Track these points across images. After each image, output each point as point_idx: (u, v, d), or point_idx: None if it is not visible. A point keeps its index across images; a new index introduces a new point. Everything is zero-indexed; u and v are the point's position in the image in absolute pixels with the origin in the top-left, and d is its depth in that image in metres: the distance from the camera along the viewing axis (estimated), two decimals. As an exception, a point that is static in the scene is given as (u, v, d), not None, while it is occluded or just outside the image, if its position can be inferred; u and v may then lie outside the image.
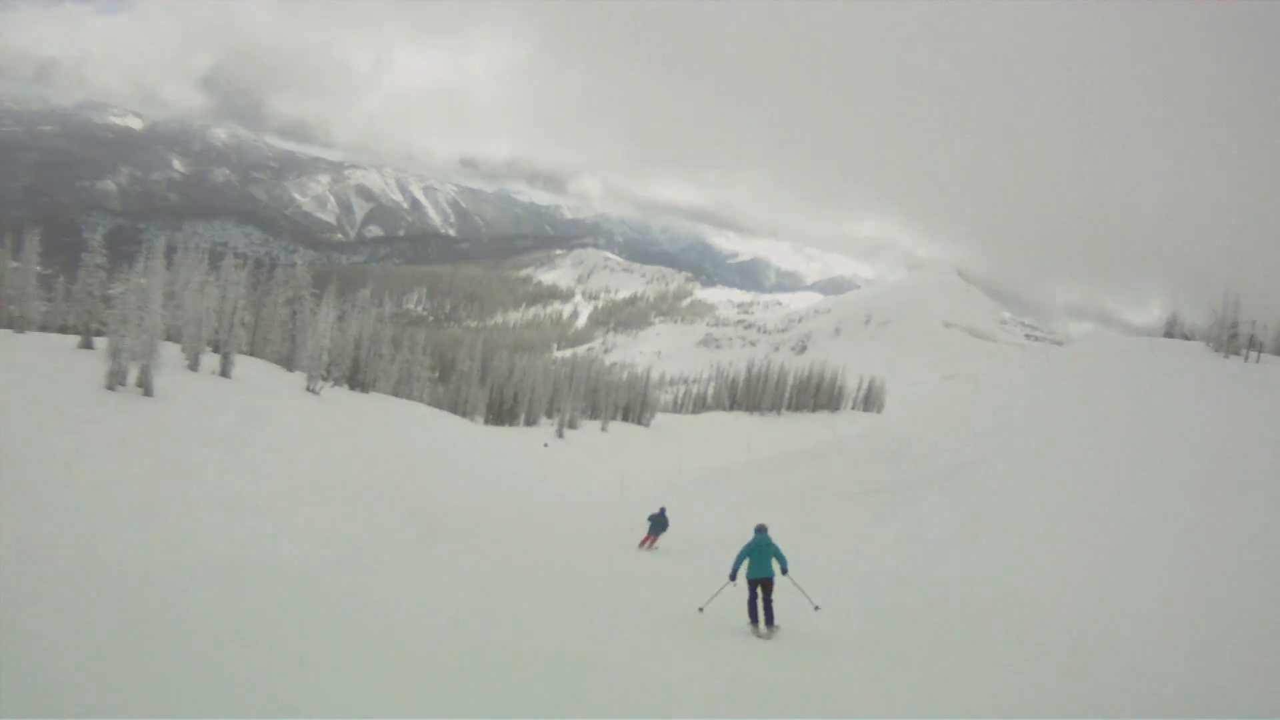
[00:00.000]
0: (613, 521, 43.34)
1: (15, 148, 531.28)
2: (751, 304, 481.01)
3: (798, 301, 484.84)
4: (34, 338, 56.61)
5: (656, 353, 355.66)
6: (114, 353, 45.96)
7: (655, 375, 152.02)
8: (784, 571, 19.53)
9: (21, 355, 47.36)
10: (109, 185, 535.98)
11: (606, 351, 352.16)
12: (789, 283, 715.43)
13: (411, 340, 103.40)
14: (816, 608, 20.35)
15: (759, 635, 19.03)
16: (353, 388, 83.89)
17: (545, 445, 62.63)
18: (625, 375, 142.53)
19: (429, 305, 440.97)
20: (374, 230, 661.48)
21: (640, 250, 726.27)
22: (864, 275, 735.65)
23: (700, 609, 20.64)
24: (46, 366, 45.17)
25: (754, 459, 68.99)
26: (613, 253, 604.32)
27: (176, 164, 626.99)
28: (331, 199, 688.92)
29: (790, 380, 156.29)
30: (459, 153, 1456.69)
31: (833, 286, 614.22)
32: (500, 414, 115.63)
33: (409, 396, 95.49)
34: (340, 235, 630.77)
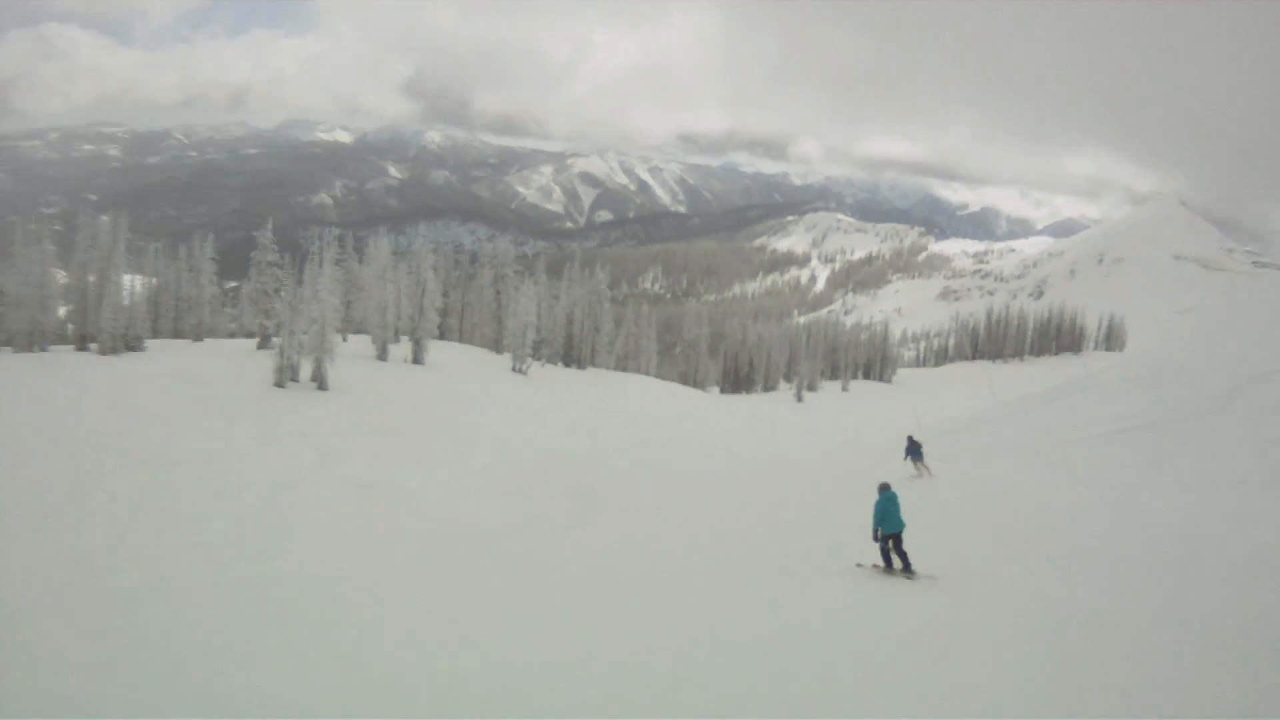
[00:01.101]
0: (832, 480, 39.32)
1: (221, 173, 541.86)
2: (986, 253, 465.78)
3: (1031, 247, 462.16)
4: (211, 344, 56.70)
5: (897, 310, 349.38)
6: (281, 349, 45.13)
7: (896, 332, 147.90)
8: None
9: (194, 361, 47.82)
10: (324, 199, 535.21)
11: (847, 313, 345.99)
12: (1020, 229, 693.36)
13: (636, 314, 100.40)
14: (859, 565, 20.96)
15: (893, 574, 19.90)
16: (567, 364, 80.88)
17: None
18: (864, 335, 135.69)
19: (665, 283, 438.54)
20: (603, 215, 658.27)
21: (871, 210, 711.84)
22: (1091, 215, 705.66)
23: (859, 565, 21.07)
24: (216, 369, 45.56)
25: (995, 404, 64.84)
26: (844, 214, 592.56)
27: (392, 171, 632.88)
28: (557, 189, 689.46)
29: (1030, 325, 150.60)
30: (675, 129, 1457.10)
31: (1063, 229, 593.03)
32: (737, 381, 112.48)
33: (636, 371, 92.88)
34: (570, 223, 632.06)
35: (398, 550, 21.10)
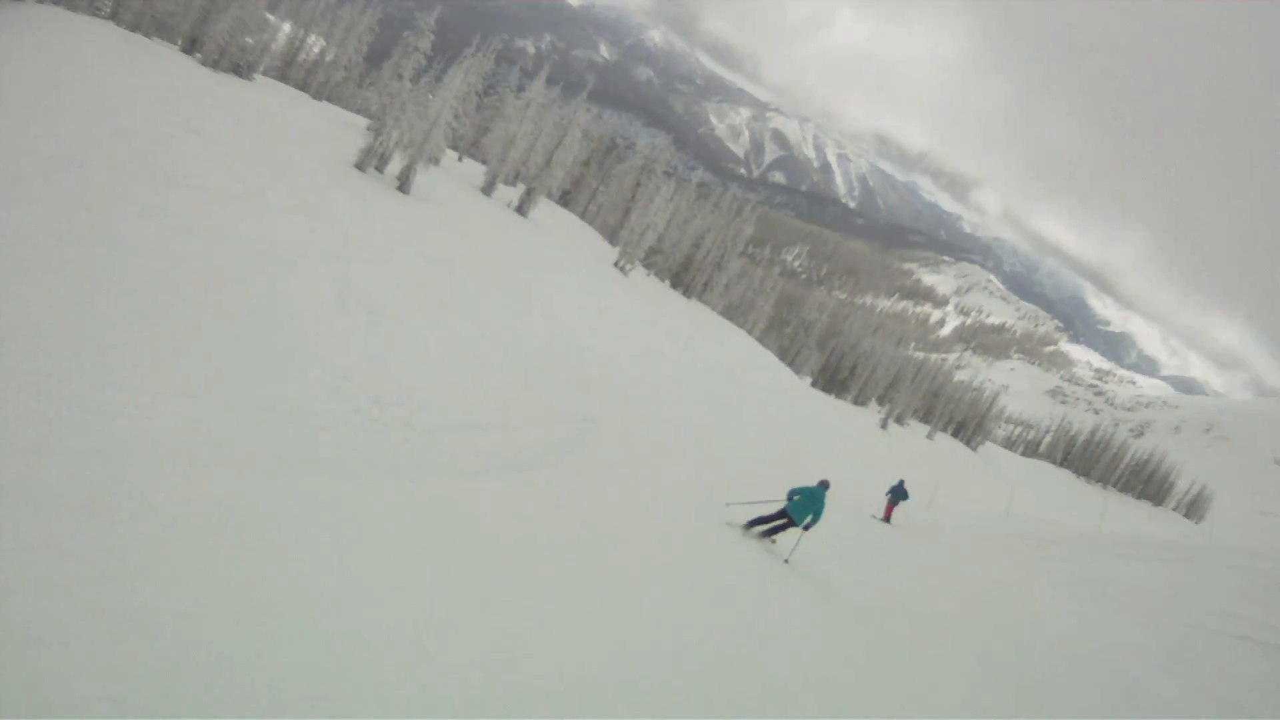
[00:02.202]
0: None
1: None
2: (1109, 373, 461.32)
3: (1151, 388, 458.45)
4: (326, 106, 56.01)
5: (1004, 386, 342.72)
6: (377, 130, 42.53)
7: (996, 411, 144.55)
8: (807, 527, 19.34)
9: (292, 110, 46.89)
10: (528, 46, 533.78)
11: (958, 368, 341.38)
12: (1146, 366, 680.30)
13: (765, 275, 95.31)
14: (786, 560, 19.03)
15: (744, 535, 19.36)
16: (675, 286, 75.12)
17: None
18: (970, 393, 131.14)
19: (806, 264, 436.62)
20: (777, 176, 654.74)
21: (1022, 285, 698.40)
22: (1215, 384, 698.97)
23: (727, 504, 20.83)
24: (309, 127, 44.02)
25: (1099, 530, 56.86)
26: (997, 278, 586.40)
27: (603, 49, 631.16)
28: (746, 133, 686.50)
29: (1127, 458, 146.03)
30: (875, 127, 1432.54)
31: (1184, 385, 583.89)
32: (830, 380, 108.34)
33: (741, 326, 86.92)
34: (743, 170, 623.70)
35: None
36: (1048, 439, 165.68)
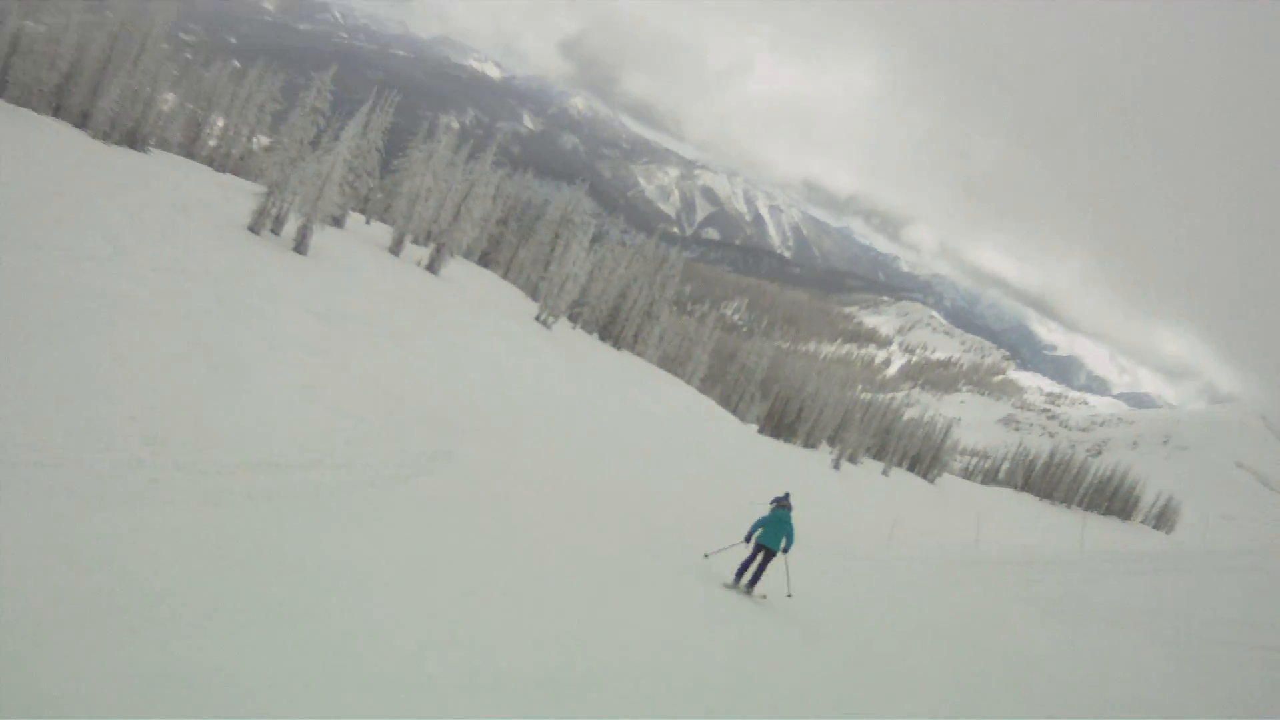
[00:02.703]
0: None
1: (363, 64, 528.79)
2: (1060, 396, 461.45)
3: (1104, 406, 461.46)
4: (225, 177, 54.38)
5: (956, 419, 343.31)
6: (269, 191, 40.36)
7: (950, 442, 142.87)
8: (785, 550, 19.39)
9: (185, 179, 45.47)
10: (452, 121, 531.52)
11: (908, 406, 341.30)
12: (1097, 386, 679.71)
13: (700, 327, 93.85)
14: (789, 595, 19.71)
15: (734, 590, 19.12)
16: (603, 338, 72.88)
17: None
18: (922, 429, 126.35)
19: (746, 317, 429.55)
20: (711, 233, 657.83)
21: (965, 319, 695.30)
22: (1167, 396, 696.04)
23: (706, 555, 20.92)
24: (202, 194, 42.17)
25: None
26: (939, 314, 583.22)
27: (527, 119, 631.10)
28: (676, 192, 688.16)
29: (1090, 476, 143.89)
30: (803, 173, 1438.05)
31: (1137, 401, 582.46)
32: (779, 426, 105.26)
33: (676, 375, 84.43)
34: (676, 229, 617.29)
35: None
36: (1005, 466, 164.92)
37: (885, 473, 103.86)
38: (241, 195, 43.70)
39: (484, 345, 42.52)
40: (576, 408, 42.68)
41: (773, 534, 19.18)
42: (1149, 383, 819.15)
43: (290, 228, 41.35)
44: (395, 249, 52.02)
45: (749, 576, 19.20)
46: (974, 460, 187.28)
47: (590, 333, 71.62)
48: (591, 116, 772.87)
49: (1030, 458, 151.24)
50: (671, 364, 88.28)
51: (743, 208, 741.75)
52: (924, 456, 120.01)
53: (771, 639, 15.98)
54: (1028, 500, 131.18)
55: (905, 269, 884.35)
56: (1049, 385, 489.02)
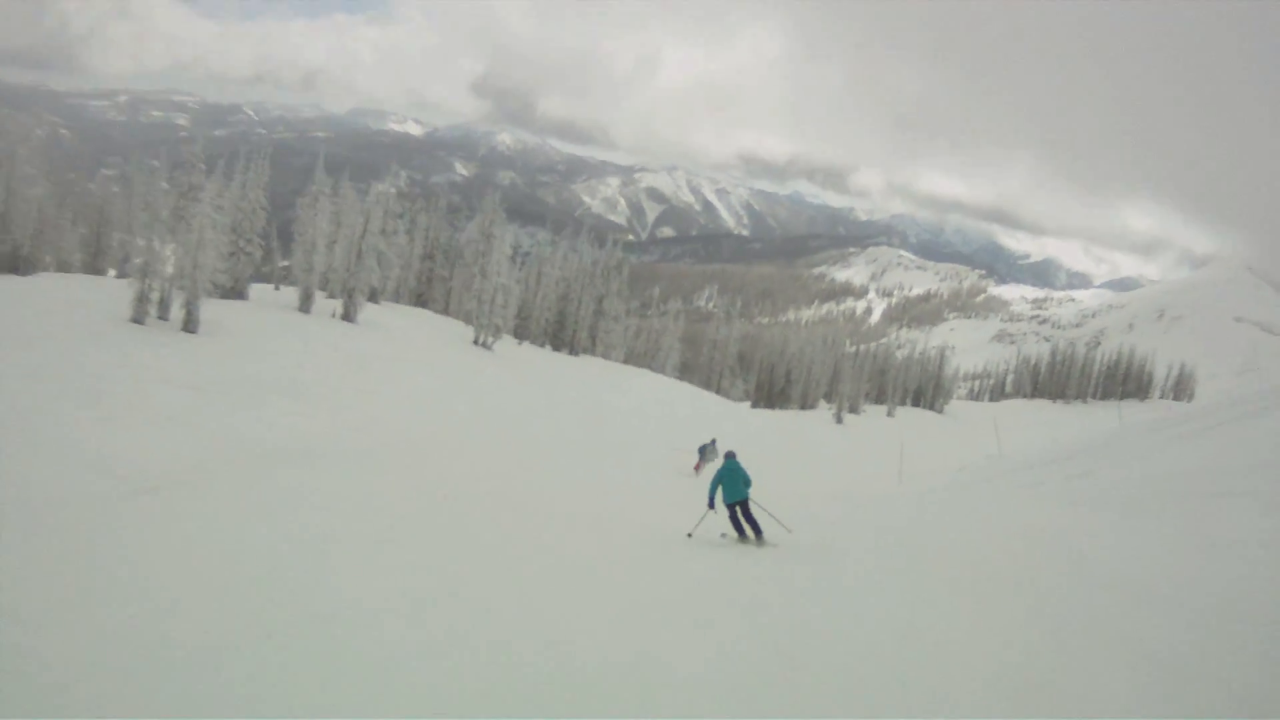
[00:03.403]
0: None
1: (288, 153, 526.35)
2: (1045, 300, 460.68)
3: (1090, 299, 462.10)
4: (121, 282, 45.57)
5: (950, 347, 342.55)
6: (142, 273, 36.47)
7: (949, 370, 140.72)
8: (749, 499, 19.46)
9: (74, 288, 42.92)
10: (388, 189, 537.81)
11: (899, 348, 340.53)
12: (1079, 283, 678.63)
13: (661, 310, 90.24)
14: (790, 531, 19.96)
15: (746, 542, 19.09)
16: (556, 348, 70.29)
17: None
18: (916, 364, 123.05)
19: (720, 302, 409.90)
20: (666, 231, 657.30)
21: (934, 250, 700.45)
22: (1149, 274, 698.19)
23: (689, 534, 19.96)
24: (88, 297, 39.44)
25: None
26: (907, 252, 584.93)
27: (459, 168, 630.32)
28: (622, 201, 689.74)
29: (1096, 366, 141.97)
30: (735, 150, 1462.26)
31: (1121, 286, 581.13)
32: (771, 396, 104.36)
33: (655, 370, 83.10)
34: (632, 236, 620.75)
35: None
36: (1010, 378, 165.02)
37: (890, 414, 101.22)
38: (127, 291, 39.68)
39: (411, 380, 39.59)
40: (531, 417, 40.45)
41: (733, 487, 19.24)
42: (1127, 266, 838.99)
43: (177, 309, 37.63)
44: (304, 306, 48.16)
45: (750, 530, 19.09)
46: (978, 382, 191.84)
47: (541, 345, 68.87)
48: (521, 149, 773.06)
49: (1033, 363, 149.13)
50: (641, 360, 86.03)
51: (690, 199, 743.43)
52: (926, 389, 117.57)
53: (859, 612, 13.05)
54: (1041, 405, 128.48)
55: (863, 217, 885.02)
56: (1032, 292, 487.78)
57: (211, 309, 39.21)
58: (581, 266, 72.65)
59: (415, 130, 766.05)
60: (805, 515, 24.09)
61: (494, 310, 55.33)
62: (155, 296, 36.90)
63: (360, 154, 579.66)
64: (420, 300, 72.55)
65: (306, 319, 46.50)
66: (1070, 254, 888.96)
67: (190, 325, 36.44)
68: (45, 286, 42.01)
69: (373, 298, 58.13)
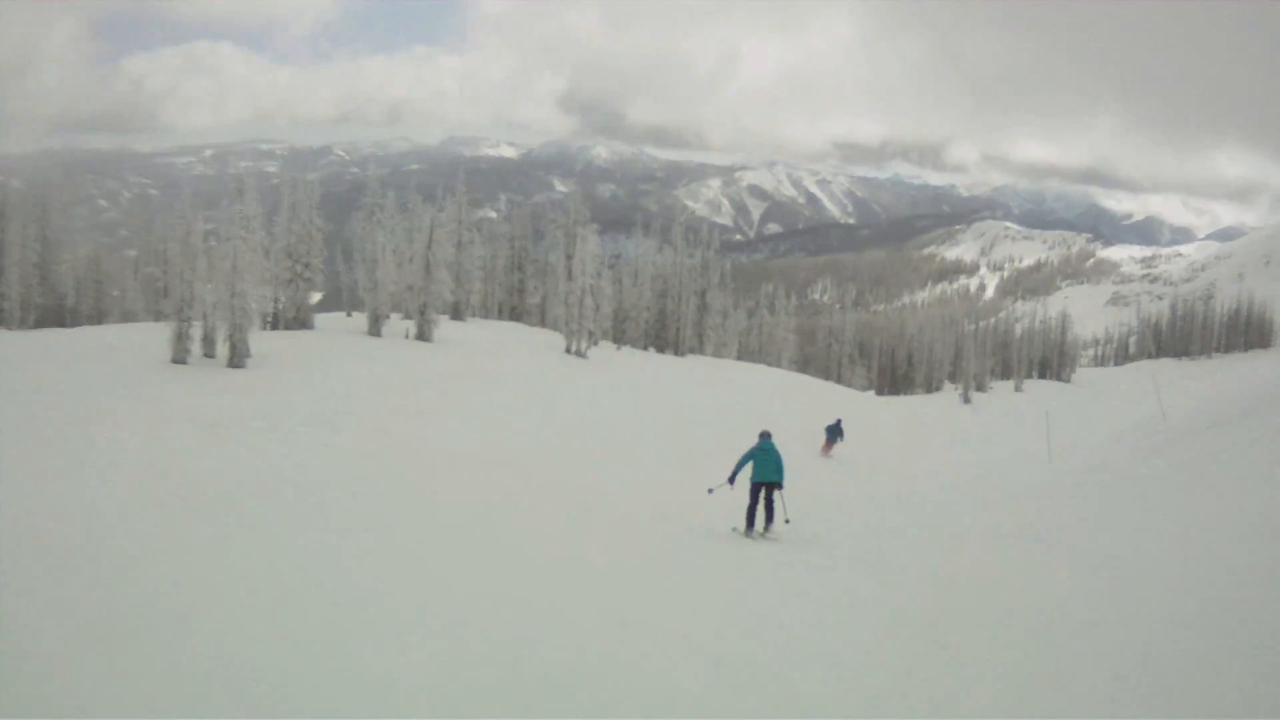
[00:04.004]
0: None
1: (383, 187, 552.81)
2: (1153, 258, 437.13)
3: (1197, 252, 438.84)
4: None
5: (1065, 315, 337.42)
6: (178, 310, 33.36)
7: (1071, 337, 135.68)
8: (779, 486, 18.46)
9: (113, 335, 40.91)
10: (489, 213, 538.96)
11: (1016, 321, 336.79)
12: (1182, 238, 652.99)
13: (769, 300, 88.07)
14: (787, 520, 18.62)
15: (749, 538, 18.25)
16: (660, 349, 65.62)
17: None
18: (1037, 333, 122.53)
19: (834, 293, 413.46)
20: (773, 227, 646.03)
21: (1037, 219, 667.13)
22: (1249, 221, 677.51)
23: (710, 490, 19.83)
24: (126, 341, 37.07)
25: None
26: (1012, 224, 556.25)
27: (559, 185, 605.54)
28: (725, 201, 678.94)
29: (1217, 319, 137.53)
30: (829, 137, 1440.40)
31: (1225, 236, 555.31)
32: (894, 381, 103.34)
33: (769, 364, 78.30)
34: (739, 236, 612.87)
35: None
36: (1132, 340, 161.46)
37: (1018, 389, 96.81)
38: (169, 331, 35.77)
39: (481, 397, 35.00)
40: (623, 422, 35.91)
41: (764, 467, 18.29)
42: (1228, 215, 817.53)
43: (221, 344, 34.28)
44: (374, 329, 44.24)
45: (763, 519, 18.27)
46: (1099, 348, 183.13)
47: (644, 349, 64.03)
48: (619, 160, 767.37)
49: (1153, 322, 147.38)
50: (754, 357, 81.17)
51: (793, 193, 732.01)
52: (1051, 359, 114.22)
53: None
54: (1167, 364, 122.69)
55: (965, 193, 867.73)
56: (1140, 252, 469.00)
57: (267, 341, 37.53)
58: (678, 261, 68.27)
59: (510, 153, 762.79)
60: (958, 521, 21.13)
61: (584, 314, 50.43)
62: (197, 333, 33.98)
63: (456, 182, 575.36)
64: (514, 314, 68.62)
65: (375, 342, 43.16)
66: (1171, 209, 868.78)
67: (236, 360, 33.20)
68: (86, 336, 39.36)
69: (456, 314, 54.76)
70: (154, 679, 9.23)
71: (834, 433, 37.30)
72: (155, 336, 34.99)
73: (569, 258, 55.81)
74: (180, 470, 19.86)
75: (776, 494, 18.39)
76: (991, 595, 13.79)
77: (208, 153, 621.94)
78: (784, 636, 11.81)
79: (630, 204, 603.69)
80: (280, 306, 47.20)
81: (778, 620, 12.44)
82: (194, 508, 17.08)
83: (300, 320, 45.81)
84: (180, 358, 32.45)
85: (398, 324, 47.62)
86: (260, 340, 35.68)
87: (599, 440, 30.73)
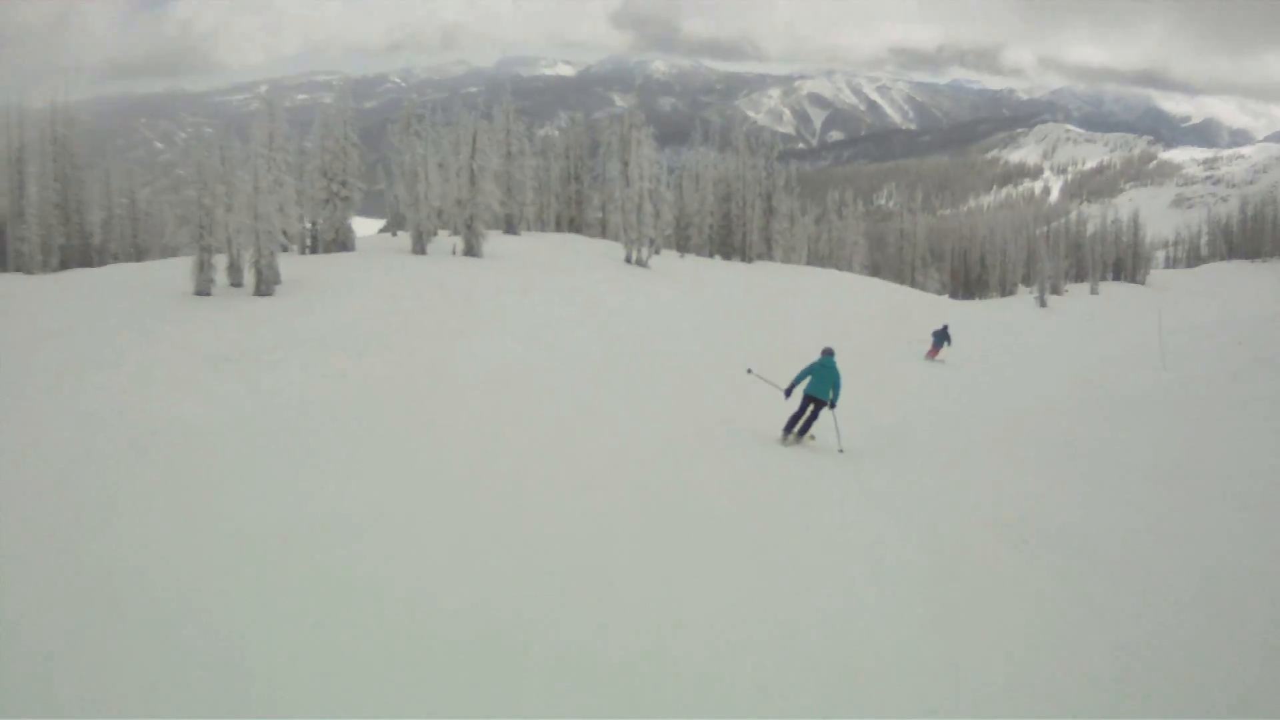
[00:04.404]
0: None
1: (444, 111, 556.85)
2: (1215, 159, 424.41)
3: (1259, 153, 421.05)
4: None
5: (1136, 216, 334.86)
6: (198, 235, 30.81)
7: (1144, 237, 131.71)
8: (832, 405, 18.21)
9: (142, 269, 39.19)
10: (551, 131, 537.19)
11: (1085, 223, 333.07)
12: (1241, 140, 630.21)
13: (836, 206, 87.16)
14: (840, 450, 17.78)
15: (784, 444, 17.96)
16: (727, 256, 62.92)
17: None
18: (1110, 232, 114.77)
19: (899, 199, 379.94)
20: (835, 135, 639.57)
21: (1098, 122, 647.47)
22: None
23: (749, 370, 20.36)
24: (160, 275, 34.68)
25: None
26: (1073, 126, 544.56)
27: (619, 101, 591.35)
28: (786, 111, 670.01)
29: (1275, 217, 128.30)
30: (885, 43, 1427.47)
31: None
32: (968, 285, 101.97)
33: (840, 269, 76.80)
34: (802, 144, 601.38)
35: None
36: (1204, 239, 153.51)
37: (1094, 291, 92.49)
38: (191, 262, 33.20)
39: (528, 313, 31.88)
40: (702, 331, 34.50)
41: (820, 383, 17.93)
42: None
43: (249, 272, 31.90)
44: (418, 247, 41.26)
45: (799, 428, 17.96)
46: (1169, 250, 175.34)
47: (709, 256, 61.60)
48: (677, 73, 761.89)
49: (1223, 223, 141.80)
50: (825, 262, 79.48)
51: (854, 100, 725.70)
52: (1125, 261, 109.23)
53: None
54: (1240, 265, 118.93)
55: (1024, 97, 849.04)
56: (1201, 154, 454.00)
57: (301, 265, 35.42)
58: (740, 163, 65.02)
59: (568, 71, 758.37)
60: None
61: (643, 220, 47.53)
62: (221, 262, 31.71)
63: (519, 101, 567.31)
64: (573, 226, 66.03)
65: (418, 260, 39.85)
66: (1228, 112, 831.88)
67: (264, 288, 30.65)
68: (112, 275, 37.14)
69: (510, 228, 52.36)
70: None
71: (941, 338, 37.83)
72: (183, 270, 32.35)
73: (625, 164, 51.55)
74: (161, 413, 18.19)
75: (825, 411, 18.14)
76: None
77: (262, 88, 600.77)
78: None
79: (691, 116, 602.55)
80: (318, 228, 44.54)
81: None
82: (148, 454, 15.51)
83: (340, 242, 43.05)
84: (204, 289, 30.11)
85: (445, 241, 45.10)
86: (294, 264, 33.69)
87: (653, 357, 27.94)
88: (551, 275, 39.94)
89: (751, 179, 64.34)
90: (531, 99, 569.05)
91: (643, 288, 41.84)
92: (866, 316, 47.75)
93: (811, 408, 17.85)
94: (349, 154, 43.98)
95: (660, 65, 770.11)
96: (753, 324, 38.29)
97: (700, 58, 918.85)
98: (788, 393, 18.20)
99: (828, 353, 18.61)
